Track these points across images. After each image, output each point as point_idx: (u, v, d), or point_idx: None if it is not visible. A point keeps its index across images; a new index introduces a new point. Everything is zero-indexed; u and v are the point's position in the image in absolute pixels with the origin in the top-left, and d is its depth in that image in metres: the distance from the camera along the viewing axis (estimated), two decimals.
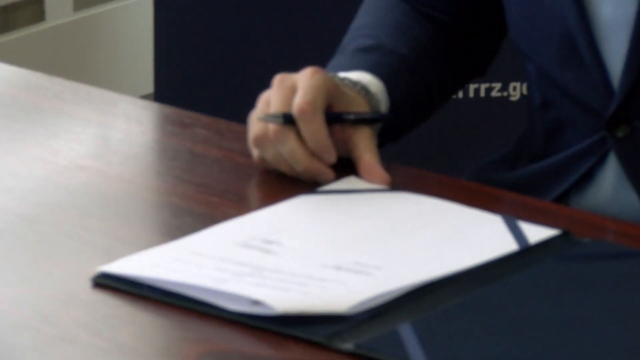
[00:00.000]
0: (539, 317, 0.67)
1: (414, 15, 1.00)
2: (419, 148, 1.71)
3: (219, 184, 0.87)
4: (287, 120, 0.83)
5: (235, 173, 0.89)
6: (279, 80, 0.87)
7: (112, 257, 0.74)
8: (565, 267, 0.75)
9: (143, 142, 0.96)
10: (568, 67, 0.95)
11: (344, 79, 0.90)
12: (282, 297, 0.68)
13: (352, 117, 0.87)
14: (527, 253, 0.77)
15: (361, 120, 0.87)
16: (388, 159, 0.89)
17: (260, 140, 0.85)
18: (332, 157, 0.84)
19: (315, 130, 0.84)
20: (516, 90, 1.85)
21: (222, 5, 1.82)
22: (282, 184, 0.86)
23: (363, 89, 0.90)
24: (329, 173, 0.85)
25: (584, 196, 0.94)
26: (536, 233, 0.79)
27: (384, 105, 0.92)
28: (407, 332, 0.65)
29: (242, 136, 0.91)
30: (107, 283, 0.72)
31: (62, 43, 2.57)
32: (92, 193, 0.86)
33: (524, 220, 0.80)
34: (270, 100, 0.86)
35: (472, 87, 1.83)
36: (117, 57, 2.64)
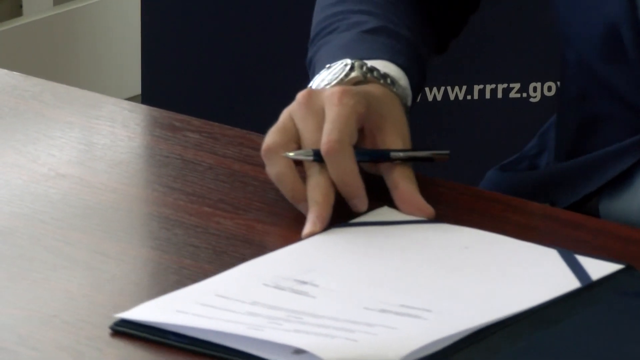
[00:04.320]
0: None
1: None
2: None
3: (212, 193, 0.88)
4: (318, 156, 0.83)
5: (230, 181, 0.89)
6: (306, 103, 0.86)
7: (96, 273, 0.74)
8: (632, 305, 0.75)
9: (130, 147, 0.97)
10: (610, 59, 0.96)
11: (372, 70, 0.89)
12: (328, 345, 0.66)
13: (401, 155, 0.84)
14: (589, 290, 0.75)
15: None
16: None
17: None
18: (362, 205, 0.83)
19: (345, 172, 0.83)
20: (536, 91, 1.87)
21: None
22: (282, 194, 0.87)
23: (392, 83, 0.90)
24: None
25: (617, 200, 0.95)
26: (598, 268, 0.77)
27: (409, 100, 0.92)
28: None
29: (238, 141, 0.91)
30: (127, 330, 0.71)
31: (41, 40, 2.59)
32: (73, 203, 0.86)
33: (580, 253, 0.79)
34: (293, 127, 0.85)
35: (488, 87, 1.85)
36: (101, 55, 2.66)
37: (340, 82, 0.89)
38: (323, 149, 0.82)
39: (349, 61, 0.90)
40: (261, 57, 1.81)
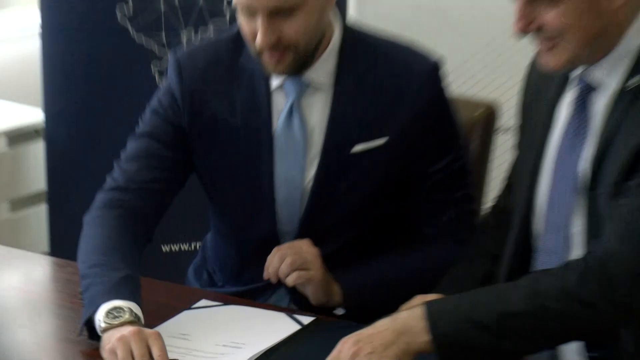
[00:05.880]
0: None
1: (122, 227, 1.66)
2: None
3: None
4: None
5: None
6: (136, 335, 1.41)
7: None
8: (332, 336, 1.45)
9: None
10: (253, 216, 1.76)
11: (132, 311, 1.47)
12: None
13: None
14: (305, 329, 1.56)
15: None
16: None
17: None
18: None
19: None
20: None
21: None
22: None
23: (138, 319, 1.49)
24: None
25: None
26: (305, 319, 1.58)
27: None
28: None
29: None
30: None
31: None
32: None
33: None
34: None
35: None
36: None
37: (124, 321, 1.46)
38: None
39: (124, 308, 1.47)
40: None
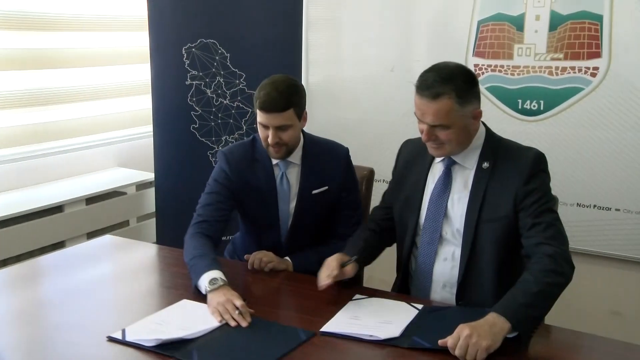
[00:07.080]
0: None
1: (205, 240, 2.60)
2: None
3: None
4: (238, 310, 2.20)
5: None
6: (226, 295, 2.23)
7: None
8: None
9: None
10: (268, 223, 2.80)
11: (220, 279, 2.33)
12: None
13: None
14: (421, 311, 2.28)
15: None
16: None
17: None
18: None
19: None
20: None
21: None
22: None
23: (225, 282, 2.32)
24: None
25: None
26: (418, 305, 2.30)
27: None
28: None
29: None
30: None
31: None
32: None
33: None
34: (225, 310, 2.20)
35: None
36: None
37: (219, 286, 2.30)
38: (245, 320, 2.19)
39: (218, 278, 2.33)
40: None
